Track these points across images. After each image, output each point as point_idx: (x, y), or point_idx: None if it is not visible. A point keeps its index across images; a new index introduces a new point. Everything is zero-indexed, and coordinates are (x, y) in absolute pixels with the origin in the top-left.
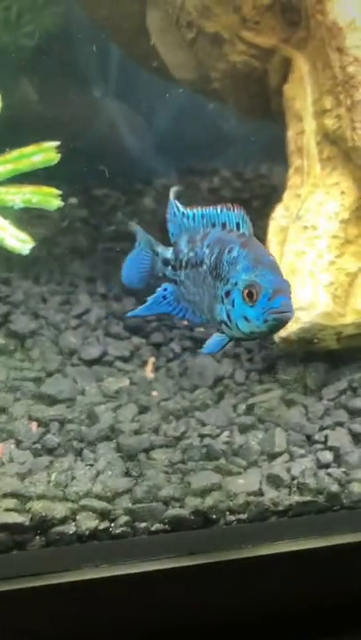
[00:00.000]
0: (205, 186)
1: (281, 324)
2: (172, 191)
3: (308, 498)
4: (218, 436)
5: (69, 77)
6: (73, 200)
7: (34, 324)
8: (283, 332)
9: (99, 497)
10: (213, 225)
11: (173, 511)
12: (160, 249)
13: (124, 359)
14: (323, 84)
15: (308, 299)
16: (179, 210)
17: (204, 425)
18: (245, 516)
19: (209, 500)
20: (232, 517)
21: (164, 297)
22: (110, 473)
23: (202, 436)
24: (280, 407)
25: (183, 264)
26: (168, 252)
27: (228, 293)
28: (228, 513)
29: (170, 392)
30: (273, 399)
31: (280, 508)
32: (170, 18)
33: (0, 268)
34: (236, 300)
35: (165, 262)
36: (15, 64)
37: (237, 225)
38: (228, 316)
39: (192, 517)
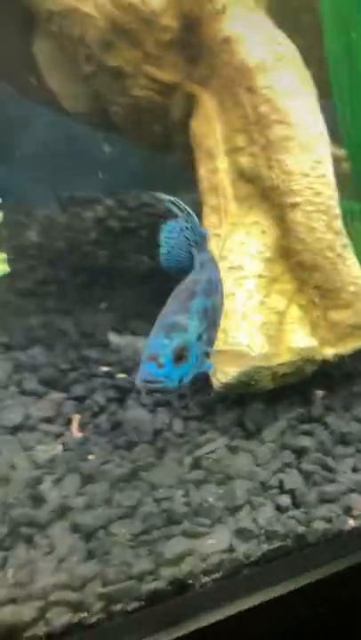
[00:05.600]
0: (90, 215)
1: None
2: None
3: (278, 544)
4: (174, 497)
5: None
6: None
7: None
8: (223, 378)
9: (68, 587)
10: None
11: (149, 585)
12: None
13: (49, 420)
14: (233, 122)
15: (244, 342)
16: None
17: (155, 488)
18: (220, 574)
19: (185, 567)
20: (207, 579)
21: None
22: (75, 558)
23: (157, 501)
24: (227, 456)
25: None
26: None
27: None
28: (202, 575)
29: (106, 452)
30: (218, 449)
31: (252, 559)
32: (63, 50)
33: None
34: None
35: None
36: None
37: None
38: None
39: (169, 588)
